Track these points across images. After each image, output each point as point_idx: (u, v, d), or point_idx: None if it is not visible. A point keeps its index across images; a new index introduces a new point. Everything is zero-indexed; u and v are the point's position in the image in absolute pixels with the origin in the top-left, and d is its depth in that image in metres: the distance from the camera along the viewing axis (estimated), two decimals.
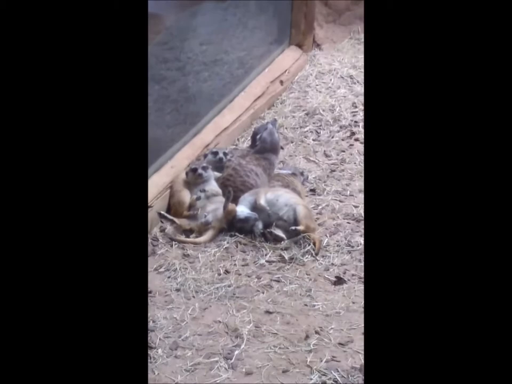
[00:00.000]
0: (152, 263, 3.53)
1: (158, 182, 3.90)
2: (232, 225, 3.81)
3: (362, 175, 4.30)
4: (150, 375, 2.82)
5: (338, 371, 2.88)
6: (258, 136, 4.18)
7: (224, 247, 3.70)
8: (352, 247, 3.70)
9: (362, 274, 3.46)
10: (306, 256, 3.63)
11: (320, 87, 5.29)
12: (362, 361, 2.90)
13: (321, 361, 2.94)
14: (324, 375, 2.87)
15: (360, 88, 5.21)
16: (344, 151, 4.59)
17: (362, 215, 3.92)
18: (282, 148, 4.49)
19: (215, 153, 4.13)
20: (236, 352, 2.98)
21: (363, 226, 3.82)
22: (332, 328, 3.14)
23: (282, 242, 3.72)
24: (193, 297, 3.35)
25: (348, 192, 4.17)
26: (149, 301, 3.21)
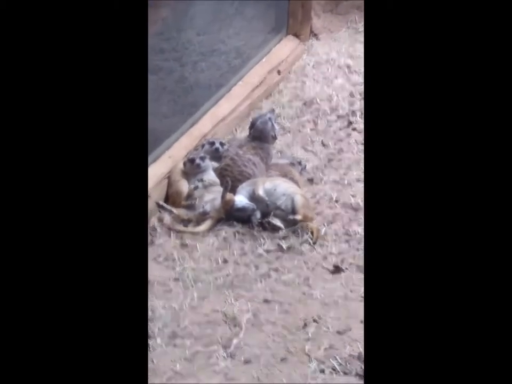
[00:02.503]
0: (150, 253, 3.52)
1: (155, 172, 3.90)
2: (230, 215, 3.81)
3: (360, 164, 4.30)
4: (149, 365, 2.81)
5: (336, 359, 2.89)
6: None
7: (222, 237, 3.70)
8: (350, 236, 3.70)
9: (360, 263, 3.47)
10: (304, 245, 3.63)
11: (318, 77, 5.26)
12: (361, 349, 2.92)
13: (320, 349, 2.94)
14: (322, 363, 2.88)
15: (357, 78, 5.19)
16: (341, 141, 4.57)
17: (360, 204, 3.92)
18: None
19: (212, 143, 4.13)
20: (235, 341, 2.99)
21: (361, 215, 3.83)
22: (330, 316, 3.14)
23: (280, 231, 3.71)
24: (192, 286, 3.35)
25: (346, 182, 4.16)
26: None
